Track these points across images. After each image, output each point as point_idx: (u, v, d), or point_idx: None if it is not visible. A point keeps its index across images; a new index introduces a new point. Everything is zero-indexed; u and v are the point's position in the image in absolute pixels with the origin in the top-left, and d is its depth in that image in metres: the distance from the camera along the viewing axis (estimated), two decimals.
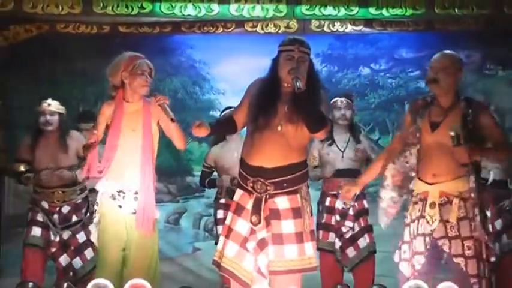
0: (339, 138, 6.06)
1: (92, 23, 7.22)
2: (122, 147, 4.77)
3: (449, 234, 4.29)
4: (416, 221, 4.40)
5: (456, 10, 6.98)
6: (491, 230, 5.99)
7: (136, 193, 4.76)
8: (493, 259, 4.35)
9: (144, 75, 4.76)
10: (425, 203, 4.37)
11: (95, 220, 4.92)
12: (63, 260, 5.94)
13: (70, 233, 5.95)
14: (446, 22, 7.28)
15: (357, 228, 5.96)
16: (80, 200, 6.05)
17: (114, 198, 4.78)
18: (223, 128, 4.68)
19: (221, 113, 6.38)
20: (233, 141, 5.98)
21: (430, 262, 4.36)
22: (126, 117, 4.78)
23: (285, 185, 4.20)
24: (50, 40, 7.38)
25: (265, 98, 4.18)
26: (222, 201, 6.13)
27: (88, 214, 5.96)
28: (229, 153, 6.06)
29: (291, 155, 4.20)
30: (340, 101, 6.08)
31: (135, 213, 4.73)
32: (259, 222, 4.16)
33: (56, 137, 6.00)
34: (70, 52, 7.64)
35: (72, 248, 5.95)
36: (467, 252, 4.26)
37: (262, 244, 4.17)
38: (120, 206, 4.76)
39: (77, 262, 5.94)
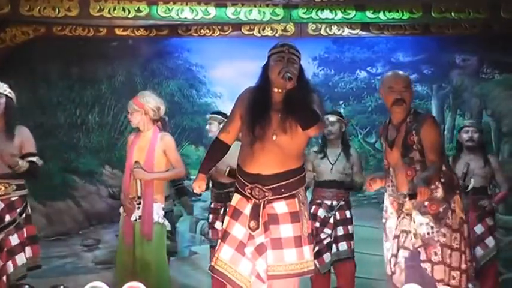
0: (331, 151, 6.36)
1: (88, 26, 7.24)
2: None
3: (422, 242, 4.34)
4: (404, 235, 4.44)
5: (453, 14, 7.00)
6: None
7: (139, 203, 5.46)
8: (464, 265, 4.37)
9: (129, 112, 5.60)
10: (410, 218, 4.41)
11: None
12: None
13: (3, 234, 5.45)
14: (443, 26, 7.31)
15: (333, 236, 6.22)
16: (16, 198, 5.54)
17: (124, 210, 5.55)
18: (215, 158, 4.49)
19: (210, 114, 6.53)
20: None
21: (411, 276, 4.37)
22: (139, 142, 5.57)
23: (282, 190, 4.19)
24: (47, 43, 7.38)
25: (259, 108, 4.17)
26: (212, 205, 6.39)
27: (24, 215, 5.58)
28: None
29: (287, 162, 4.19)
30: (326, 118, 6.21)
31: (135, 220, 5.45)
32: (258, 227, 4.16)
33: (2, 122, 5.55)
34: (67, 55, 7.63)
35: (5, 250, 5.46)
36: (434, 258, 4.30)
37: (260, 249, 4.16)
38: None
39: (10, 266, 5.47)
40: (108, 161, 7.72)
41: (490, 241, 6.29)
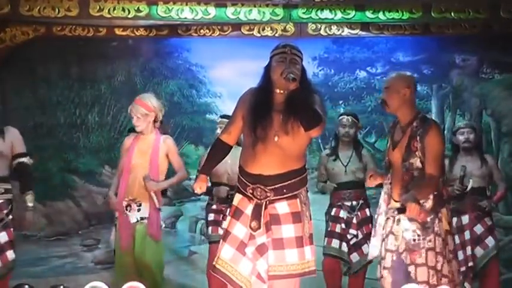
0: (343, 154, 6.41)
1: (88, 26, 7.24)
2: (134, 169, 5.53)
3: (407, 247, 4.35)
4: (387, 237, 4.45)
5: (453, 14, 7.01)
6: (469, 236, 6.15)
7: (139, 205, 5.48)
8: (449, 274, 4.36)
9: (133, 118, 5.54)
10: (394, 220, 4.41)
11: (112, 234, 5.80)
12: None
13: None
14: (442, 26, 7.32)
15: (360, 236, 6.32)
16: (2, 201, 5.50)
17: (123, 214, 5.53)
18: (217, 159, 4.50)
19: (220, 117, 6.51)
20: None
21: (396, 279, 4.38)
22: (139, 145, 5.57)
23: (284, 190, 4.19)
24: (47, 43, 7.38)
25: (260, 109, 4.16)
26: (214, 207, 6.37)
27: (10, 216, 5.55)
28: None
29: (289, 163, 4.19)
30: (346, 119, 6.41)
31: (136, 221, 5.46)
32: (259, 227, 4.16)
33: None
34: (67, 55, 7.63)
35: None
36: (418, 260, 4.31)
37: (261, 249, 4.16)
38: None
39: None
40: (107, 161, 7.72)
41: (490, 241, 6.28)
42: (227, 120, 6.18)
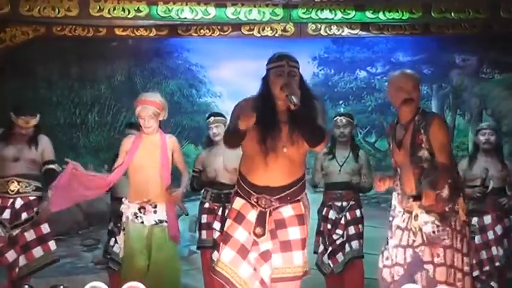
0: (340, 153, 6.43)
1: (88, 26, 7.23)
2: (143, 170, 5.41)
3: (424, 242, 4.36)
4: (401, 232, 4.45)
5: (453, 14, 7.01)
6: (492, 236, 6.16)
7: (155, 206, 5.40)
8: (466, 268, 4.38)
9: (144, 119, 5.39)
10: (411, 216, 4.41)
11: (122, 234, 5.53)
12: (10, 255, 5.81)
13: (19, 230, 5.84)
14: (442, 26, 7.31)
15: (345, 236, 6.31)
16: (34, 197, 5.95)
17: (136, 217, 5.41)
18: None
19: (213, 117, 6.39)
20: (220, 146, 6.00)
21: (409, 275, 4.39)
22: (144, 145, 5.44)
23: (288, 198, 4.21)
24: (47, 43, 7.38)
25: (269, 120, 4.09)
26: (206, 205, 6.36)
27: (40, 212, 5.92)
28: (216, 157, 6.29)
29: (294, 172, 4.20)
30: (340, 119, 6.42)
31: (155, 224, 5.39)
32: (264, 234, 4.17)
33: (27, 136, 5.96)
34: (67, 55, 7.64)
35: (20, 244, 5.83)
36: (436, 260, 4.32)
37: (265, 255, 4.17)
38: (142, 222, 5.40)
39: (22, 260, 5.83)
40: (108, 160, 7.71)
41: (504, 243, 6.35)
42: (222, 118, 6.25)
